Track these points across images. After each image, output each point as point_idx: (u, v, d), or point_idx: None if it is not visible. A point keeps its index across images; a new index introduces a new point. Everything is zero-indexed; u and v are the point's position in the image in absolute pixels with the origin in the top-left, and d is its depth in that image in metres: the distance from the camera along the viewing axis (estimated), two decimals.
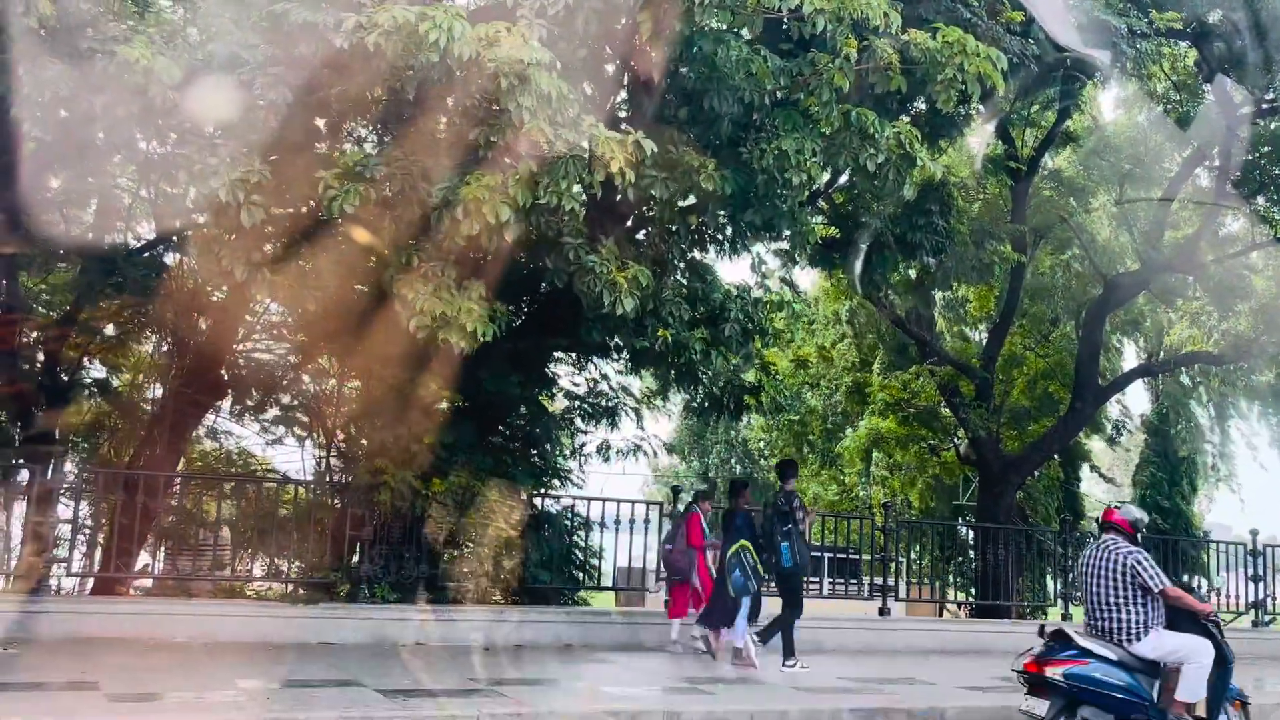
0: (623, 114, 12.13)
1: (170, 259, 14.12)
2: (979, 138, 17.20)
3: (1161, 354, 23.96)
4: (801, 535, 10.84)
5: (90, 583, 12.72)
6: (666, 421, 27.91)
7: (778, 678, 10.21)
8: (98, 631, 9.95)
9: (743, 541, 10.90)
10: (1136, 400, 74.37)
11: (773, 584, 11.20)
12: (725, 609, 11.00)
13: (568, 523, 13.68)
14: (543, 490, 13.75)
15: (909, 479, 25.40)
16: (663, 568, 12.46)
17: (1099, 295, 19.32)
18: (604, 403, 14.95)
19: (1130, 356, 25.70)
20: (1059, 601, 14.61)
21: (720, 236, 13.00)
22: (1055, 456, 23.49)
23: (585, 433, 15.19)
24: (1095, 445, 28.17)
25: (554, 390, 14.63)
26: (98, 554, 13.60)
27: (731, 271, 53.17)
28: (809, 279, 25.25)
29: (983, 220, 16.90)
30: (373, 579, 11.51)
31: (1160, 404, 29.86)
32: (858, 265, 14.33)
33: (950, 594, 23.22)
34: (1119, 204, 19.54)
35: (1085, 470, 27.74)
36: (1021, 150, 18.82)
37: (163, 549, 13.12)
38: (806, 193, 11.62)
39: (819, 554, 15.64)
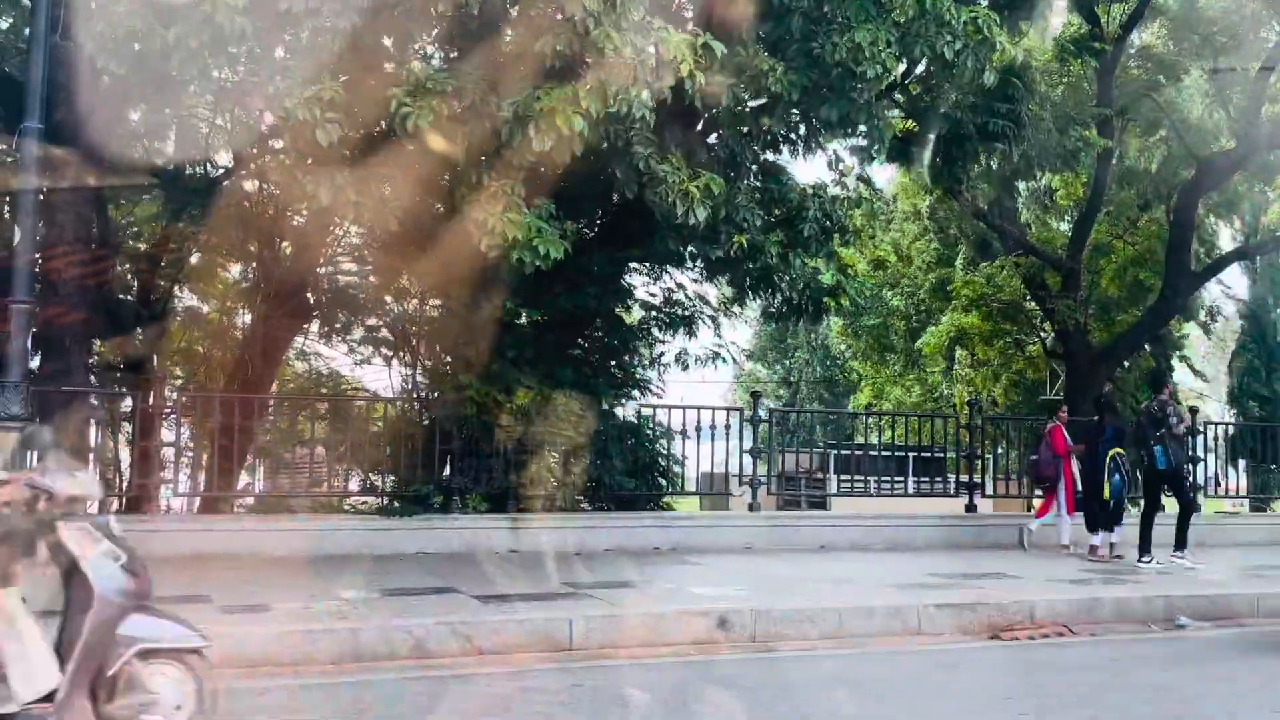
0: (689, 14, 11.80)
1: (250, 185, 14.32)
2: (1061, 17, 16.49)
3: (1259, 235, 23.11)
4: (1176, 439, 11.71)
5: (196, 502, 13.18)
6: (745, 328, 28.28)
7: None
8: (205, 548, 10.31)
9: (1117, 449, 11.92)
10: (1232, 284, 72.03)
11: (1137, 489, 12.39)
12: (1106, 511, 12.09)
13: (650, 431, 13.77)
14: (624, 400, 13.86)
15: (993, 375, 25.12)
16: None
17: (1191, 177, 18.64)
18: (680, 312, 14.91)
19: (1225, 239, 24.91)
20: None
21: (794, 136, 12.69)
22: (1146, 347, 22.94)
23: (663, 342, 15.24)
24: (1190, 333, 27.51)
25: (630, 301, 14.56)
26: (201, 475, 14.17)
27: (806, 171, 52.40)
28: (886, 175, 24.88)
29: (1067, 105, 16.37)
30: (463, 490, 11.72)
31: (1257, 287, 28.93)
32: (937, 158, 14.00)
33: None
34: (1212, 79, 18.67)
35: (1178, 360, 27.13)
36: (1106, 28, 18.03)
37: (262, 468, 13.44)
38: (882, 86, 11.25)
39: (902, 453, 15.73)
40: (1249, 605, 9.39)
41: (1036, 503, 14.06)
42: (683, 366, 15.16)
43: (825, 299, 13.92)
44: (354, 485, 13.00)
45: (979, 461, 14.45)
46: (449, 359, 13.28)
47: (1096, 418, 12.52)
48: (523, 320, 12.70)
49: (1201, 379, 30.91)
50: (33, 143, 8.42)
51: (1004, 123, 13.20)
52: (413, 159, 10.44)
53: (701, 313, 15.13)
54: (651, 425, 13.73)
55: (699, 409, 13.00)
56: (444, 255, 11.16)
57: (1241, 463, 18.28)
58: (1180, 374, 27.78)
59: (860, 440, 17.94)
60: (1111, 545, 12.16)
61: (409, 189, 10.62)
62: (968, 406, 15.01)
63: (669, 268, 14.67)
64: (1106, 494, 12.02)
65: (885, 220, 23.02)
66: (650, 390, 14.68)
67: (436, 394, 12.82)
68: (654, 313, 14.81)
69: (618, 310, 14.14)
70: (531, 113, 9.25)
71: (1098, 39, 17.53)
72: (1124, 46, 18.17)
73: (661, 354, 15.37)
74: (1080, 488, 12.72)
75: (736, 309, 16.29)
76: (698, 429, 12.90)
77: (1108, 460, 11.91)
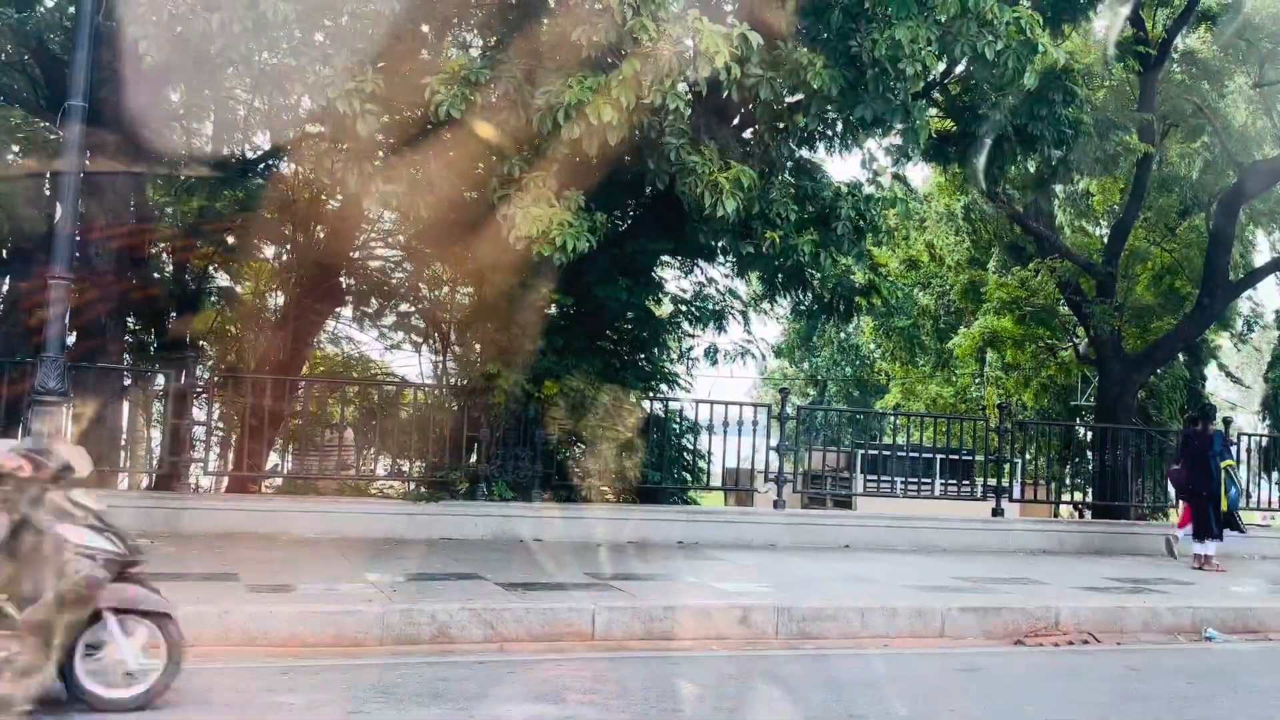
0: (729, 8, 11.82)
1: (287, 169, 14.43)
2: (1105, 20, 16.28)
3: None
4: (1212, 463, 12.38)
5: (225, 481, 13.30)
6: (774, 324, 28.16)
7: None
8: (233, 526, 10.43)
9: (1229, 460, 12.40)
10: (1269, 295, 71.33)
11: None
12: (1220, 521, 12.34)
13: (676, 425, 13.79)
14: (651, 393, 13.90)
15: (1024, 379, 24.91)
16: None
17: (1232, 184, 18.38)
18: (711, 306, 14.90)
19: (1264, 249, 24.59)
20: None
21: (830, 133, 12.69)
22: (1180, 355, 22.69)
23: (692, 336, 15.22)
24: (1223, 342, 27.22)
25: (661, 294, 14.60)
26: (230, 455, 14.31)
27: (841, 169, 52.25)
28: (922, 175, 24.71)
29: (1108, 109, 16.23)
30: (490, 478, 11.79)
31: None
32: (975, 159, 13.90)
33: (1066, 495, 22.76)
34: (1258, 87, 18.42)
35: (1212, 369, 26.82)
36: (1151, 32, 17.80)
37: (290, 450, 13.56)
38: (920, 84, 11.34)
39: (930, 455, 15.77)
40: (1279, 619, 9.27)
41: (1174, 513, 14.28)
42: (711, 361, 15.13)
43: (857, 298, 13.88)
44: (381, 469, 13.12)
45: (1007, 465, 14.38)
46: (479, 347, 13.36)
47: (1199, 427, 12.68)
48: (553, 310, 12.76)
49: (1240, 385, 30.50)
50: (76, 122, 8.50)
51: (1043, 126, 13.08)
52: (447, 148, 10.49)
53: (731, 308, 15.13)
54: (678, 419, 13.75)
55: (726, 404, 13.02)
56: (476, 244, 11.34)
57: (1276, 475, 18.02)
58: (1212, 382, 27.52)
59: (888, 440, 17.87)
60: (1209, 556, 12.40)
61: (443, 176, 10.67)
62: (998, 410, 15.02)
63: (700, 262, 14.70)
64: (1224, 505, 12.23)
65: (919, 220, 22.94)
66: (678, 384, 14.73)
67: (465, 381, 12.87)
68: (684, 306, 14.85)
69: (649, 303, 14.13)
70: (562, 103, 9.25)
71: (1142, 42, 17.34)
72: (1169, 51, 17.93)
73: (690, 348, 15.42)
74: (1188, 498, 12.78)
75: (767, 305, 16.33)
76: (724, 424, 12.91)
77: (1220, 473, 12.20)
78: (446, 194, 10.90)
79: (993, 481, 14.11)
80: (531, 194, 9.90)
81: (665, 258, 14.40)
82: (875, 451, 17.22)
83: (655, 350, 14.38)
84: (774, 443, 13.17)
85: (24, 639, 4.62)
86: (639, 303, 13.49)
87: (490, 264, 11.62)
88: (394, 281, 15.09)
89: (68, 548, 4.73)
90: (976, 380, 25.85)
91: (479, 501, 11.54)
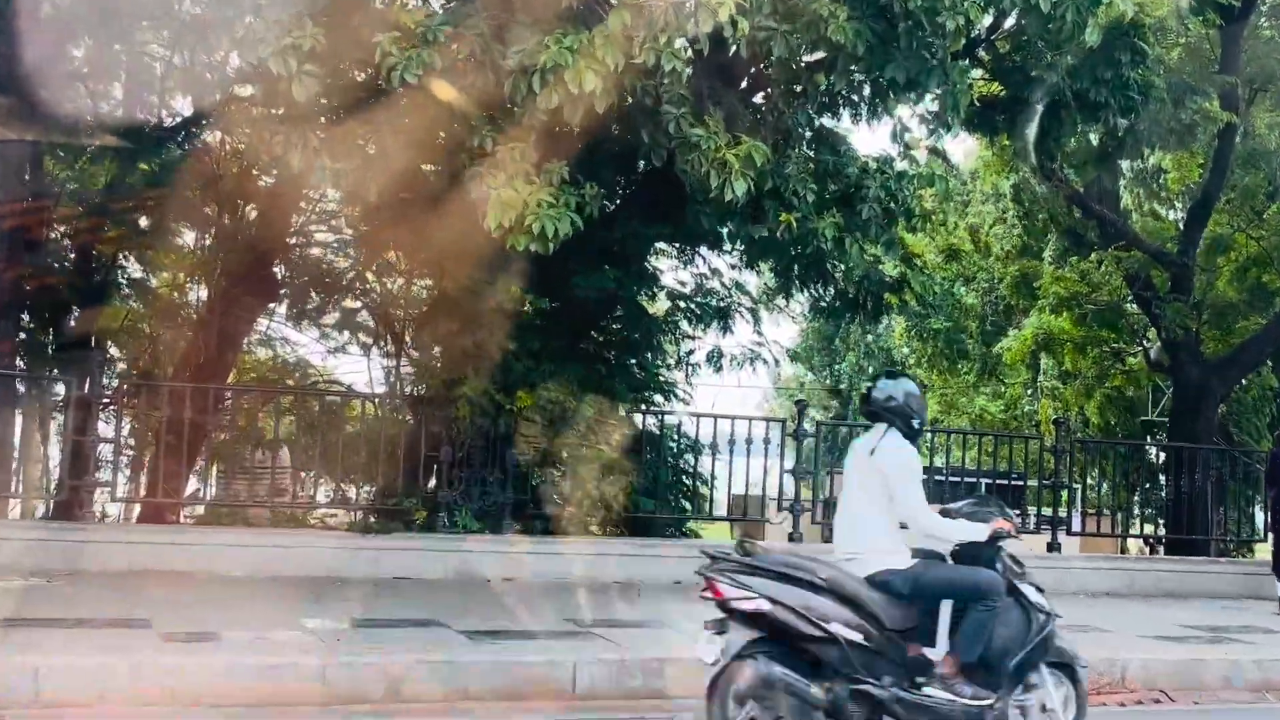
0: None
1: (211, 138, 14.38)
2: None
3: None
4: None
5: (137, 509, 13.35)
6: (789, 325, 28.15)
7: None
8: (147, 563, 10.34)
9: None
10: None
11: None
12: None
13: (673, 443, 13.86)
14: (644, 405, 13.97)
15: (1085, 390, 24.94)
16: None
17: None
18: (714, 303, 15.05)
19: None
20: (1270, 536, 14.19)
21: (855, 98, 12.78)
22: (1269, 361, 22.75)
23: (692, 338, 15.41)
24: None
25: (656, 288, 14.77)
26: (143, 477, 14.13)
27: (869, 142, 52.47)
28: (964, 149, 24.70)
29: (1184, 71, 16.25)
30: (453, 506, 11.81)
31: None
32: (1027, 129, 13.94)
33: (1135, 528, 22.54)
34: None
35: None
36: None
37: (215, 472, 13.63)
38: (962, 41, 11.33)
39: (974, 479, 15.90)
40: None
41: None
42: (715, 368, 15.39)
43: (887, 294, 13.99)
44: (323, 495, 13.11)
45: (1065, 492, 14.48)
46: (439, 350, 13.38)
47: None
48: (528, 307, 12.76)
49: None
50: None
51: (1107, 90, 13.07)
52: (402, 115, 10.46)
53: (739, 304, 15.34)
54: (676, 436, 13.83)
55: (732, 419, 13.07)
56: (437, 227, 11.27)
57: None
58: None
59: (924, 462, 17.94)
60: None
61: (398, 150, 10.62)
62: (1053, 426, 14.93)
63: (702, 249, 14.86)
64: None
65: (961, 202, 22.99)
66: (675, 395, 14.85)
67: (423, 391, 12.97)
68: (683, 302, 15.00)
69: (641, 298, 14.25)
70: (537, 64, 9.28)
71: None
72: (1255, 4, 17.95)
73: (690, 352, 15.63)
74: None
75: (780, 302, 16.63)
76: (730, 442, 12.96)
77: None
78: (402, 169, 10.87)
79: (1048, 511, 14.10)
80: (506, 170, 9.90)
81: (661, 244, 14.49)
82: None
83: (648, 355, 14.54)
84: (789, 465, 13.19)
85: None
86: (629, 298, 13.60)
87: (454, 251, 11.63)
88: (339, 272, 15.16)
89: None
90: (1029, 392, 26.08)
91: (439, 534, 11.56)
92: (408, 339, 14.66)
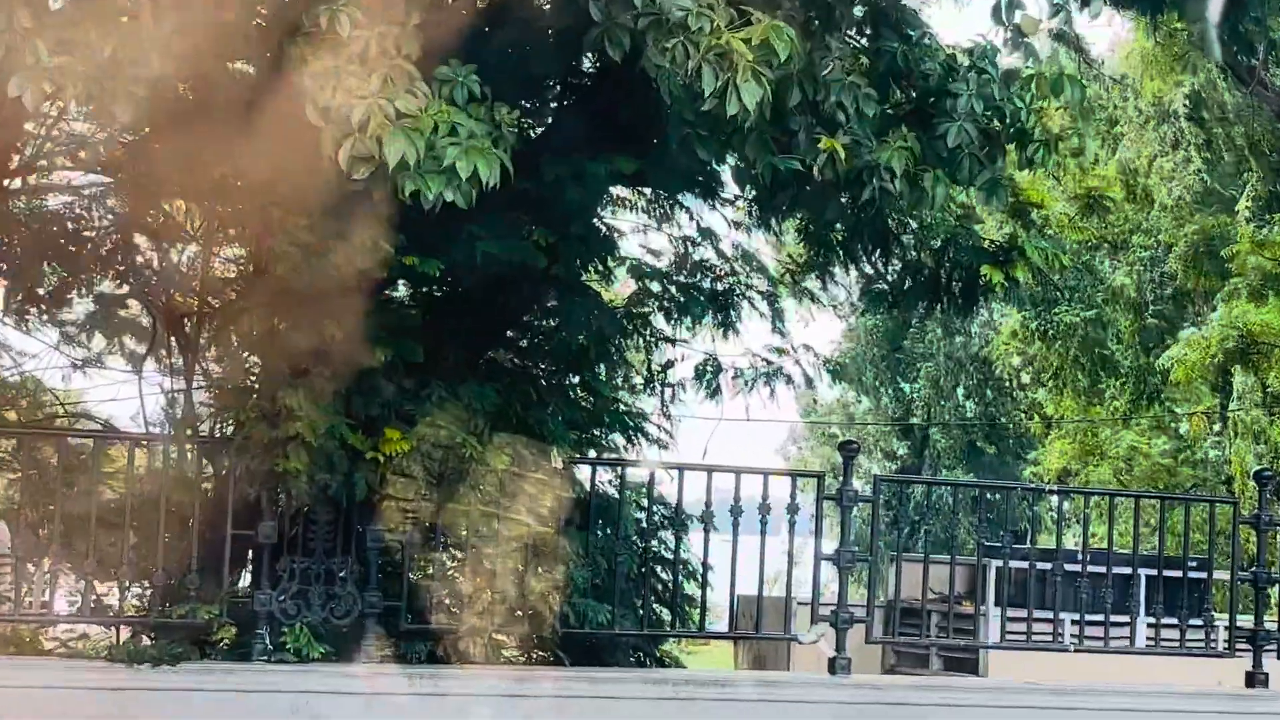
0: None
1: None
2: None
3: None
4: None
5: None
6: (829, 321, 28.83)
7: None
8: None
9: None
10: None
11: None
12: None
13: (641, 513, 13.60)
14: (593, 452, 14.03)
15: None
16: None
17: None
18: (707, 284, 15.06)
19: None
20: None
21: None
22: None
23: (673, 342, 15.56)
24: None
25: (612, 260, 14.37)
26: None
27: (959, 24, 53.02)
28: (1110, 36, 24.63)
29: None
30: (279, 618, 11.23)
31: None
32: (1208, 6, 13.56)
33: None
34: None
35: None
36: None
37: None
38: None
39: (1127, 568, 15.34)
40: None
41: None
42: (709, 390, 15.59)
43: (986, 268, 13.68)
44: (64, 603, 12.39)
45: (1272, 590, 14.01)
46: (257, 359, 12.87)
47: None
48: (401, 290, 12.76)
49: None
50: None
51: None
52: None
53: (747, 287, 15.44)
54: (646, 502, 13.54)
55: (737, 473, 12.41)
56: (253, 163, 10.88)
57: None
58: None
59: (1045, 542, 16.91)
60: None
61: (182, 40, 10.02)
62: (1255, 483, 14.30)
63: (688, 198, 14.76)
64: None
65: (1105, 123, 22.40)
66: (644, 435, 14.98)
67: (230, 430, 12.35)
68: (657, 284, 15.01)
69: (588, 276, 14.04)
70: None
71: None
72: None
73: (668, 365, 15.90)
74: None
75: (815, 283, 16.32)
76: (734, 512, 12.35)
77: None
78: (192, 68, 10.38)
79: (1246, 621, 13.62)
80: (369, 68, 9.45)
81: (620, 191, 14.27)
82: (1022, 563, 17.24)
83: (601, 369, 14.26)
84: (829, 548, 12.79)
85: None
86: (569, 276, 13.15)
87: (283, 197, 11.20)
88: (89, 235, 14.13)
89: None
90: (1213, 427, 25.45)
91: (256, 665, 10.91)
92: (204, 341, 13.82)
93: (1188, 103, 21.49)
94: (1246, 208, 22.60)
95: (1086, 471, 27.27)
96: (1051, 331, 26.92)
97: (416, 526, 11.86)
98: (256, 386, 12.39)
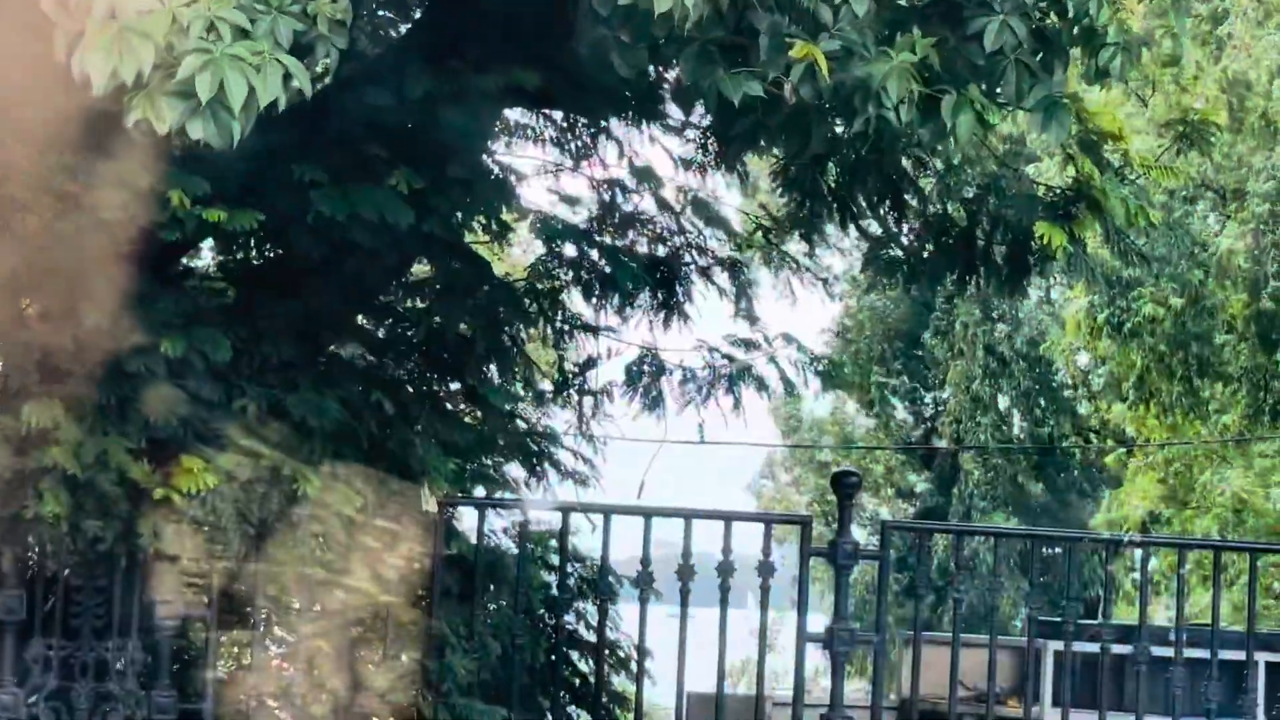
0: None
1: None
2: None
3: None
4: None
5: None
6: (818, 301, 28.82)
7: None
8: None
9: None
10: None
11: None
12: None
13: (550, 577, 13.89)
14: (480, 489, 14.52)
15: None
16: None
17: None
18: (643, 246, 15.47)
19: None
20: None
21: None
22: None
23: (593, 330, 15.99)
24: None
25: (506, 211, 14.48)
26: None
27: None
28: None
29: None
30: None
31: None
32: None
33: None
34: None
35: None
36: None
37: None
38: None
39: (1239, 652, 15.48)
40: None
41: None
42: (646, 399, 15.88)
43: (1042, 225, 13.68)
44: None
45: None
46: None
47: None
48: (207, 259, 13.79)
49: None
50: None
51: None
52: None
53: (702, 249, 15.86)
54: (558, 559, 13.69)
55: (687, 517, 12.73)
56: None
57: None
58: None
59: (1124, 616, 17.73)
60: None
61: None
62: None
63: (614, 124, 15.08)
64: None
65: (1208, 18, 22.87)
66: (553, 463, 15.41)
67: None
68: (571, 244, 15.29)
69: (472, 236, 14.41)
70: None
71: None
72: None
73: (589, 362, 16.40)
74: None
75: (798, 245, 16.57)
76: (683, 574, 12.63)
77: None
78: None
79: None
80: None
81: (519, 115, 14.63)
82: (1092, 646, 16.63)
83: (492, 368, 14.45)
84: (818, 624, 13.03)
85: None
86: (446, 237, 13.32)
87: (22, 122, 11.27)
88: None
89: None
90: None
91: None
92: None
93: None
94: None
95: (1180, 519, 27.66)
96: (1130, 322, 27.23)
97: (226, 598, 12.09)
98: None
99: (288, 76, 9.31)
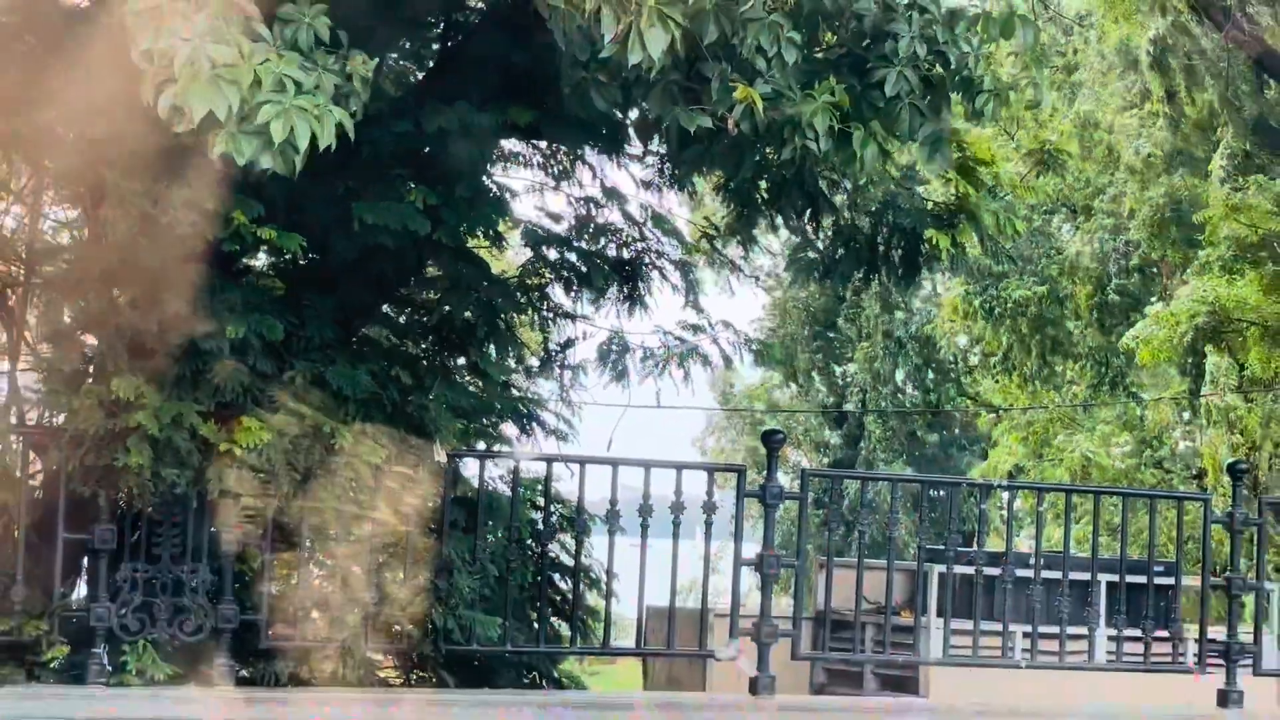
0: None
1: None
2: None
3: None
4: None
5: None
6: (751, 294, 30.33)
7: None
8: None
9: None
10: None
11: None
12: None
13: (536, 514, 15.05)
14: (481, 443, 15.14)
15: None
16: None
17: None
18: (612, 250, 15.88)
19: None
20: None
21: None
22: None
23: (572, 317, 16.37)
24: None
25: (502, 222, 15.39)
26: None
27: None
28: None
29: None
30: (121, 634, 12.28)
31: None
32: None
33: None
34: None
35: None
36: None
37: None
38: None
39: (1085, 574, 16.03)
40: None
41: None
42: (614, 372, 16.53)
43: (929, 233, 14.82)
44: None
45: (1249, 598, 15.14)
46: (91, 339, 13.75)
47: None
48: (260, 260, 13.90)
49: None
50: None
51: None
52: None
53: (657, 254, 16.34)
54: (541, 501, 14.51)
55: (646, 466, 13.57)
56: (87, 110, 11.89)
57: None
58: None
59: (994, 546, 18.51)
60: None
61: None
62: (1229, 476, 15.61)
63: (588, 152, 15.74)
64: None
65: (1063, 70, 24.44)
66: (539, 423, 16.01)
67: (65, 418, 13.17)
68: (555, 250, 15.93)
69: (475, 242, 15.09)
70: None
71: None
72: None
73: (568, 343, 16.85)
74: None
75: (737, 251, 17.41)
76: (643, 512, 13.48)
77: None
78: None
79: (1218, 632, 14.71)
80: (203, 8, 10.08)
81: (513, 144, 15.31)
82: (968, 568, 17.19)
83: (490, 348, 15.22)
84: (751, 552, 13.81)
85: None
86: (453, 243, 14.31)
87: (112, 150, 12.11)
88: None
89: None
90: (1183, 416, 26.83)
91: (97, 686, 11.82)
92: (31, 320, 14.70)
93: (1152, 46, 21.97)
94: (1219, 169, 23.29)
95: (1039, 469, 28.65)
96: (999, 309, 27.91)
97: (278, 530, 12.90)
98: (91, 370, 13.22)
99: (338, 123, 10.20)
